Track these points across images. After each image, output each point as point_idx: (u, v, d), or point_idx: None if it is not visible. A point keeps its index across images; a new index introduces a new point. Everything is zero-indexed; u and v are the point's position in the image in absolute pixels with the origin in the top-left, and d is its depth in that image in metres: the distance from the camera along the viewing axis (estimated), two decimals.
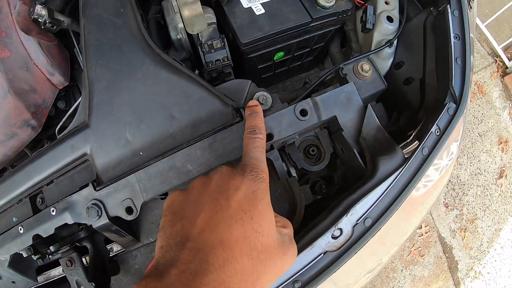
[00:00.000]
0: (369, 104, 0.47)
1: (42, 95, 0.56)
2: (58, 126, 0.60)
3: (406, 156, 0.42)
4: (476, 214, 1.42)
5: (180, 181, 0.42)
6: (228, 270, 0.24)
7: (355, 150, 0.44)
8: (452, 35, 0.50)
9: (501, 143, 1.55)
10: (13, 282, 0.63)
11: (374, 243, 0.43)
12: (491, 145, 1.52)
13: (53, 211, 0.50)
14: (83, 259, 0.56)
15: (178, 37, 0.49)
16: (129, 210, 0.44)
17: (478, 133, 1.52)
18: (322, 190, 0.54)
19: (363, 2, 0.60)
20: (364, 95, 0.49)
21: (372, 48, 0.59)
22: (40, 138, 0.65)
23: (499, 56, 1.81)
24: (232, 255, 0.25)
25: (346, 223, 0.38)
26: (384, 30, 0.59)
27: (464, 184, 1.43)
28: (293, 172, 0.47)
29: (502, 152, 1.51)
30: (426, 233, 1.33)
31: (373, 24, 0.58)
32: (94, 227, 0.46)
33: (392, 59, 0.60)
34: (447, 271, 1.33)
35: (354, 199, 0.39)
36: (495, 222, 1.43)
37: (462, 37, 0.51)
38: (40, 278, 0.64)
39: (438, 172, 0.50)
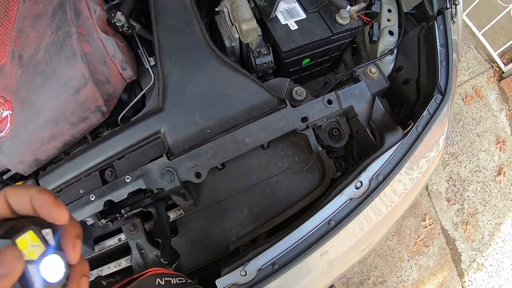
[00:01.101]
0: (376, 97, 0.69)
1: (114, 86, 0.74)
2: (121, 115, 0.79)
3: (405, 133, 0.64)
4: (476, 208, 1.61)
5: (240, 152, 0.61)
6: None
7: (367, 130, 0.65)
8: (438, 44, 0.73)
9: (498, 142, 1.76)
10: None
11: (370, 227, 0.60)
12: (489, 145, 1.74)
13: (128, 178, 0.67)
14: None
15: (232, 44, 0.70)
16: (197, 175, 0.63)
17: (476, 134, 1.76)
18: (341, 166, 0.75)
19: (370, 20, 0.83)
20: (373, 91, 0.70)
21: (378, 55, 0.81)
22: (100, 126, 0.84)
23: (496, 62, 2.04)
24: None
25: (365, 178, 0.58)
26: (387, 41, 0.81)
27: (464, 181, 1.64)
28: (321, 148, 0.67)
29: (500, 151, 1.74)
30: (430, 225, 1.53)
31: (378, 37, 0.81)
32: (166, 189, 0.64)
33: (393, 64, 0.83)
34: (451, 262, 1.52)
35: (369, 161, 0.59)
36: (495, 217, 1.61)
37: (446, 45, 0.73)
38: (95, 248, 0.80)
39: (427, 163, 0.70)
